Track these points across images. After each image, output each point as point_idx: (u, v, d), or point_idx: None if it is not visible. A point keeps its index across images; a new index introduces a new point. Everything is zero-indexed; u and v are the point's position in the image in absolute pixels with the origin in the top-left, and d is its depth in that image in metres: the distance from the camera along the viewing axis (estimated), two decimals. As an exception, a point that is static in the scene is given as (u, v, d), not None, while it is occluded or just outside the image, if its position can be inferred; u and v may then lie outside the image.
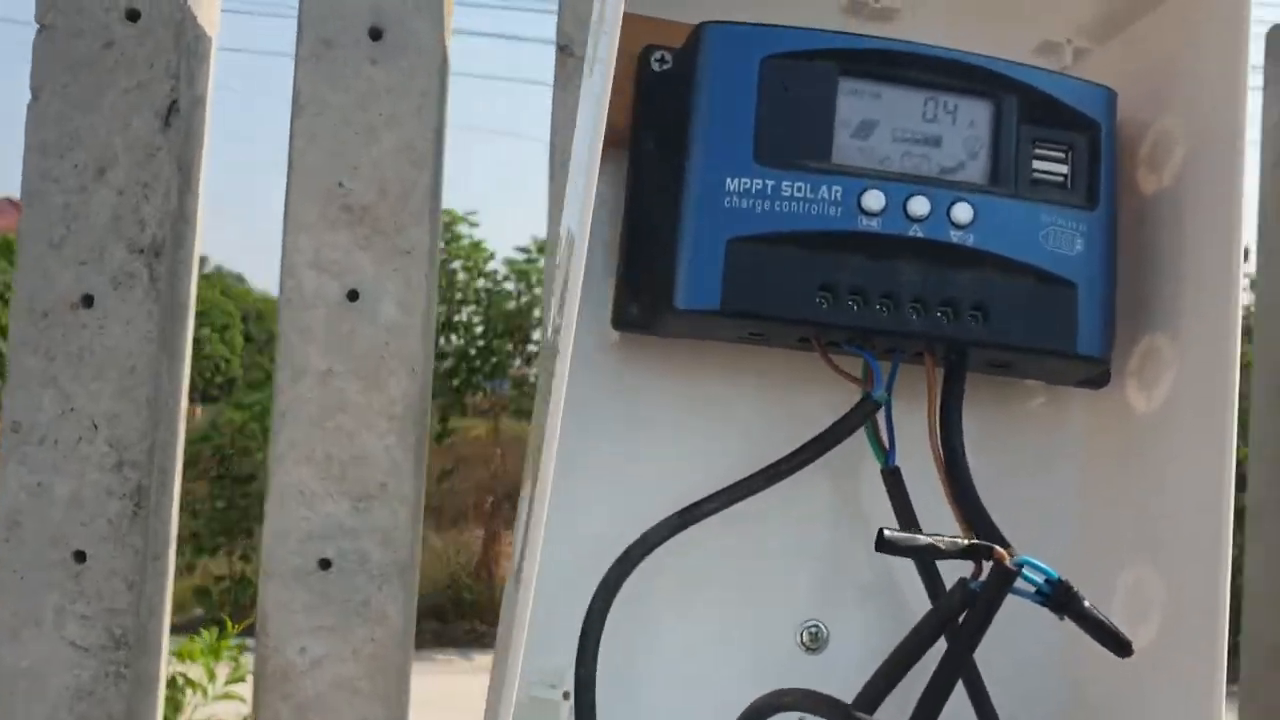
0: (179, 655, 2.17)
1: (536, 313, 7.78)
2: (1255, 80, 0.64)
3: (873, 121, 0.58)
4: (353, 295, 1.52)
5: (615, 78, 0.62)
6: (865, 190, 0.56)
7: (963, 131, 0.59)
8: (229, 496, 6.62)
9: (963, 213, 0.57)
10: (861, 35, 0.59)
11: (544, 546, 0.60)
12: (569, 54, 1.55)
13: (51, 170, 1.10)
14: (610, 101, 0.61)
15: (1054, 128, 0.60)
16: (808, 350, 0.60)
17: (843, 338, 0.58)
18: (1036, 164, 0.60)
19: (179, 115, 1.26)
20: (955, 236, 0.57)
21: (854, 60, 0.58)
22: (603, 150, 0.63)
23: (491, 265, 8.00)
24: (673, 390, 0.64)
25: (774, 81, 0.57)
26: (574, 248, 0.51)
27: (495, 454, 8.05)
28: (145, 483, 1.15)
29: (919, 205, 0.57)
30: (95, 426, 1.09)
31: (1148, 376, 0.62)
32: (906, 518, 0.60)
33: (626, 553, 0.58)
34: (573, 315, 0.50)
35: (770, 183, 0.56)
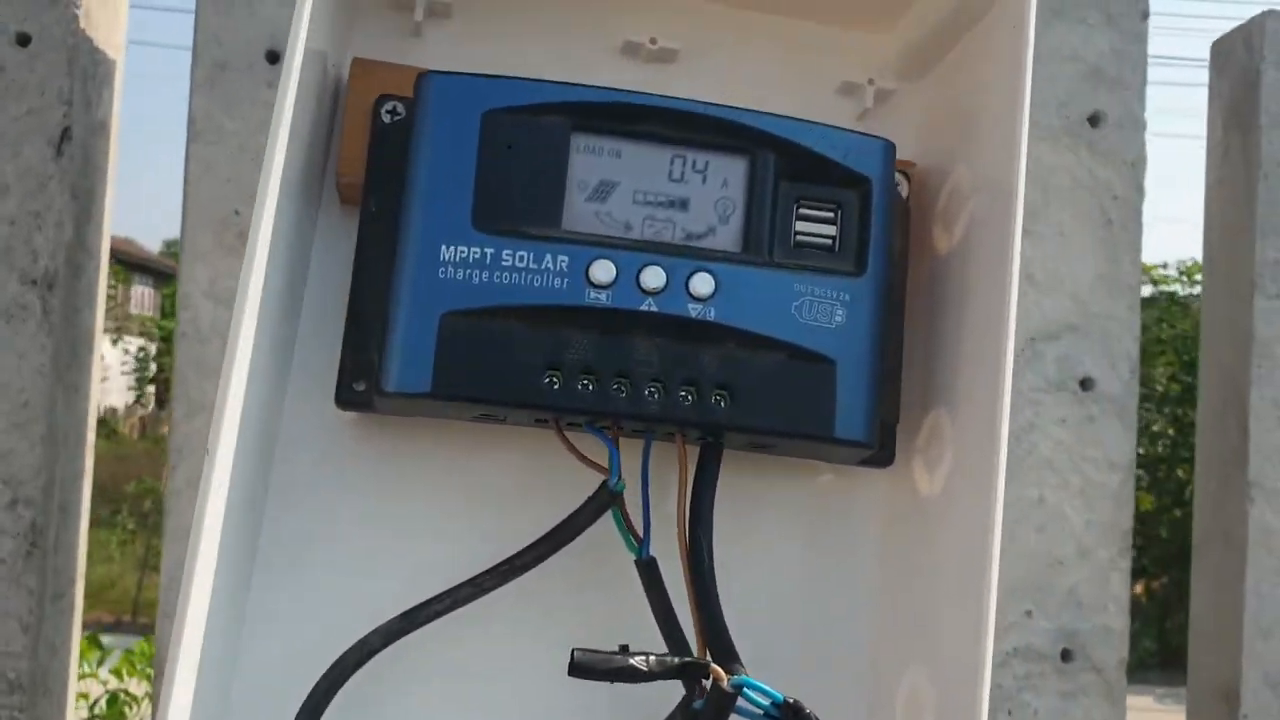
0: (115, 673, 2.15)
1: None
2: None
3: (612, 182, 0.53)
4: (250, 324, 1.48)
5: (358, 130, 0.57)
6: (594, 260, 0.51)
7: (714, 193, 0.54)
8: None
9: (702, 284, 0.52)
10: (598, 87, 0.53)
11: (248, 648, 0.55)
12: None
13: (-58, 201, 1.06)
14: (352, 155, 0.57)
15: (820, 185, 0.54)
16: (549, 429, 0.55)
17: (581, 419, 0.53)
18: (800, 225, 0.54)
19: (72, 143, 1.22)
20: (694, 310, 0.52)
21: (590, 115, 0.53)
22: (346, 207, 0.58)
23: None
24: (408, 474, 0.59)
25: (497, 138, 0.52)
26: (242, 308, 0.46)
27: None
28: (41, 521, 1.11)
29: (653, 277, 0.51)
30: (-14, 463, 1.05)
31: (932, 456, 0.57)
32: (664, 615, 0.55)
33: (339, 660, 0.53)
34: (230, 413, 0.46)
35: (490, 251, 0.51)
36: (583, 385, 0.51)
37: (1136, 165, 1.34)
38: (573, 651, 0.46)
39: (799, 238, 0.54)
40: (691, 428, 0.53)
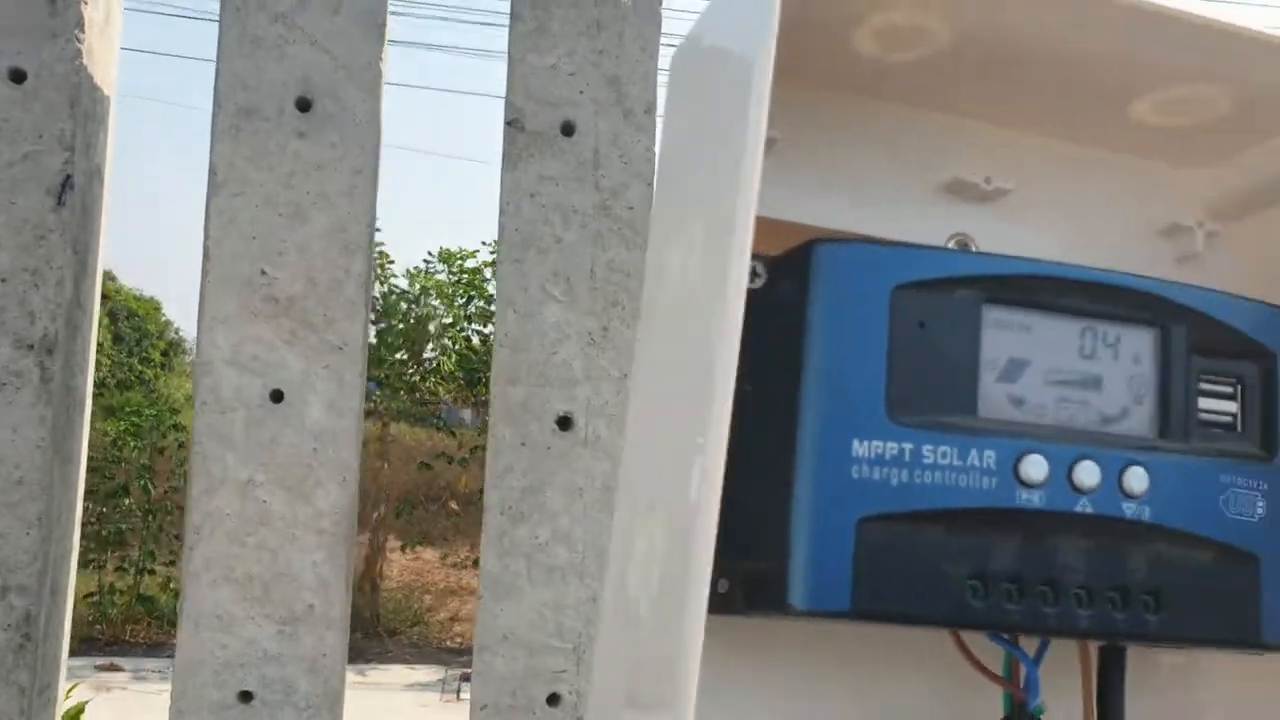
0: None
1: (432, 327, 7.60)
2: None
3: (1023, 361, 0.47)
4: (277, 396, 1.36)
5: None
6: (1023, 455, 0.45)
7: (1126, 369, 0.48)
8: (100, 511, 6.28)
9: (1136, 480, 0.46)
10: (1007, 256, 0.47)
11: None
12: (519, 128, 1.41)
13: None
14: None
15: (1223, 358, 0.49)
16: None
17: (991, 630, 0.47)
18: (1203, 402, 0.49)
19: (73, 191, 1.09)
20: (1129, 510, 0.46)
21: (1001, 287, 0.47)
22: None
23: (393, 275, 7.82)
24: (761, 677, 0.52)
25: (908, 315, 0.45)
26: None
27: (382, 463, 7.81)
28: (35, 610, 0.98)
29: (1088, 474, 0.46)
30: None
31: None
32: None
33: None
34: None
35: (908, 446, 0.44)
36: (1006, 593, 0.45)
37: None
38: None
39: (1202, 415, 0.49)
40: (1122, 639, 0.47)
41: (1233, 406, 0.50)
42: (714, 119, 0.45)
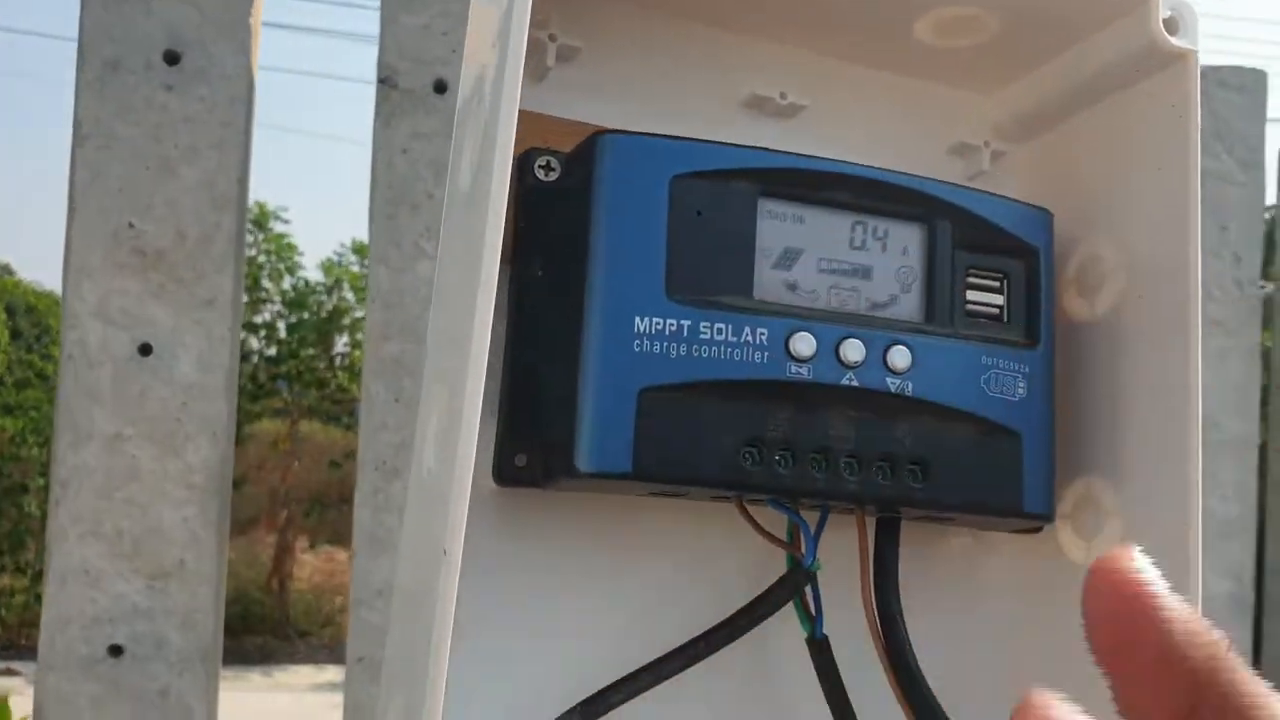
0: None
1: (346, 319, 7.52)
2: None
3: (796, 250, 0.51)
4: (145, 350, 1.36)
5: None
6: (794, 333, 0.49)
7: (895, 261, 0.52)
8: (-1, 510, 6.11)
9: (900, 357, 0.50)
10: (783, 152, 0.51)
11: None
12: (391, 86, 1.42)
13: None
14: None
15: (989, 254, 0.54)
16: (721, 501, 0.52)
17: (777, 496, 0.51)
18: (971, 295, 0.53)
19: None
20: (893, 384, 0.50)
21: (777, 180, 0.50)
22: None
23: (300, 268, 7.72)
24: (565, 550, 0.54)
25: (686, 204, 0.48)
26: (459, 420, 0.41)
27: (291, 461, 7.71)
28: None
29: (853, 350, 0.49)
30: None
31: (1084, 524, 0.57)
32: (837, 697, 0.53)
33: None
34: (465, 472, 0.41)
35: (687, 323, 0.48)
36: (779, 461, 0.49)
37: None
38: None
39: (970, 306, 0.53)
40: (890, 505, 0.51)
41: (999, 299, 0.54)
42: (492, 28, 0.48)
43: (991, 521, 0.55)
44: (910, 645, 0.51)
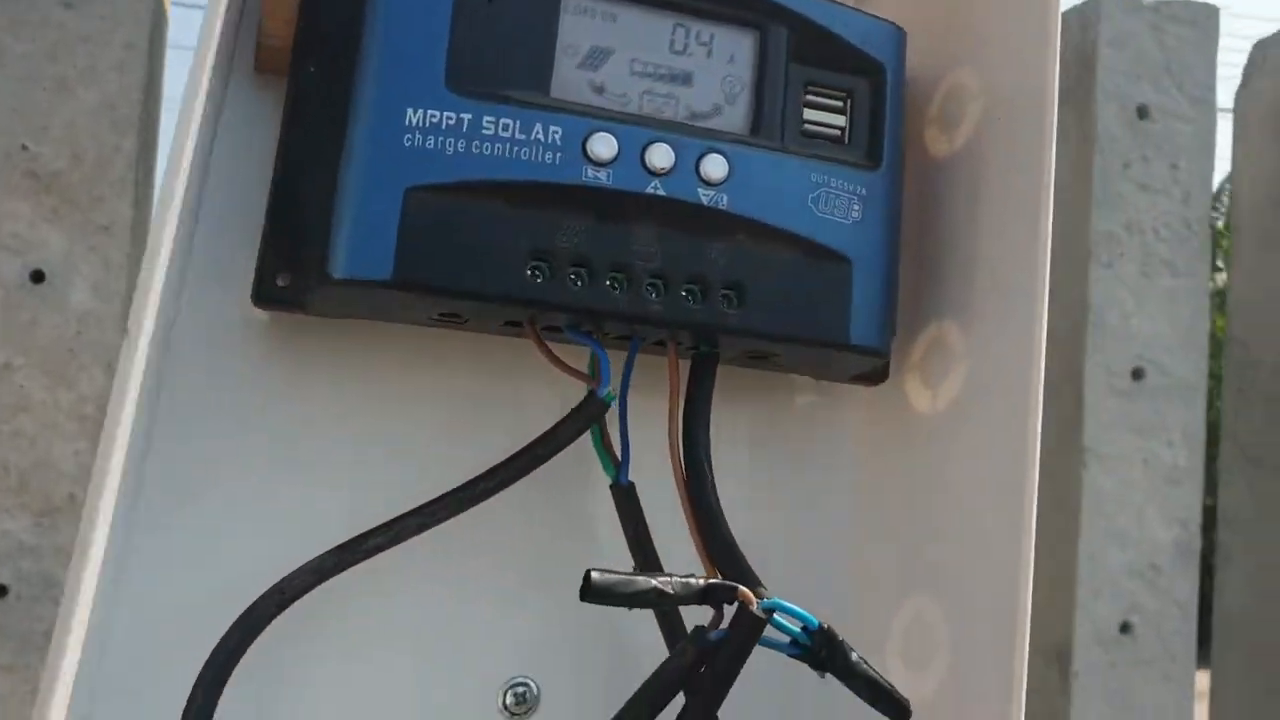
0: None
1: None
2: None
3: (606, 49, 0.46)
4: (37, 276, 1.30)
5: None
6: (593, 133, 0.43)
7: (719, 68, 0.47)
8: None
9: (715, 167, 0.45)
10: (592, -65, 0.46)
11: (154, 591, 0.45)
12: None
13: None
14: (277, 14, 0.47)
15: (830, 69, 0.48)
16: (519, 335, 0.47)
17: (563, 321, 0.45)
18: (809, 113, 0.48)
19: None
20: (705, 196, 0.45)
21: (583, -33, 0.45)
22: (269, 76, 0.48)
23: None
24: (340, 386, 0.49)
25: (474, -11, 0.43)
26: (169, 199, 0.36)
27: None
28: None
29: (660, 156, 0.44)
30: None
31: (932, 372, 0.52)
32: (642, 548, 0.47)
33: (257, 604, 0.43)
34: (151, 291, 0.36)
35: (466, 116, 0.42)
36: (572, 279, 0.43)
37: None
38: (588, 573, 0.38)
39: (807, 126, 0.48)
40: (699, 331, 0.46)
41: (840, 119, 0.49)
42: None
43: (820, 359, 0.49)
44: (714, 488, 0.46)
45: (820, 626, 0.43)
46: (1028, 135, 0.48)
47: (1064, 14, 1.38)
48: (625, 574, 0.41)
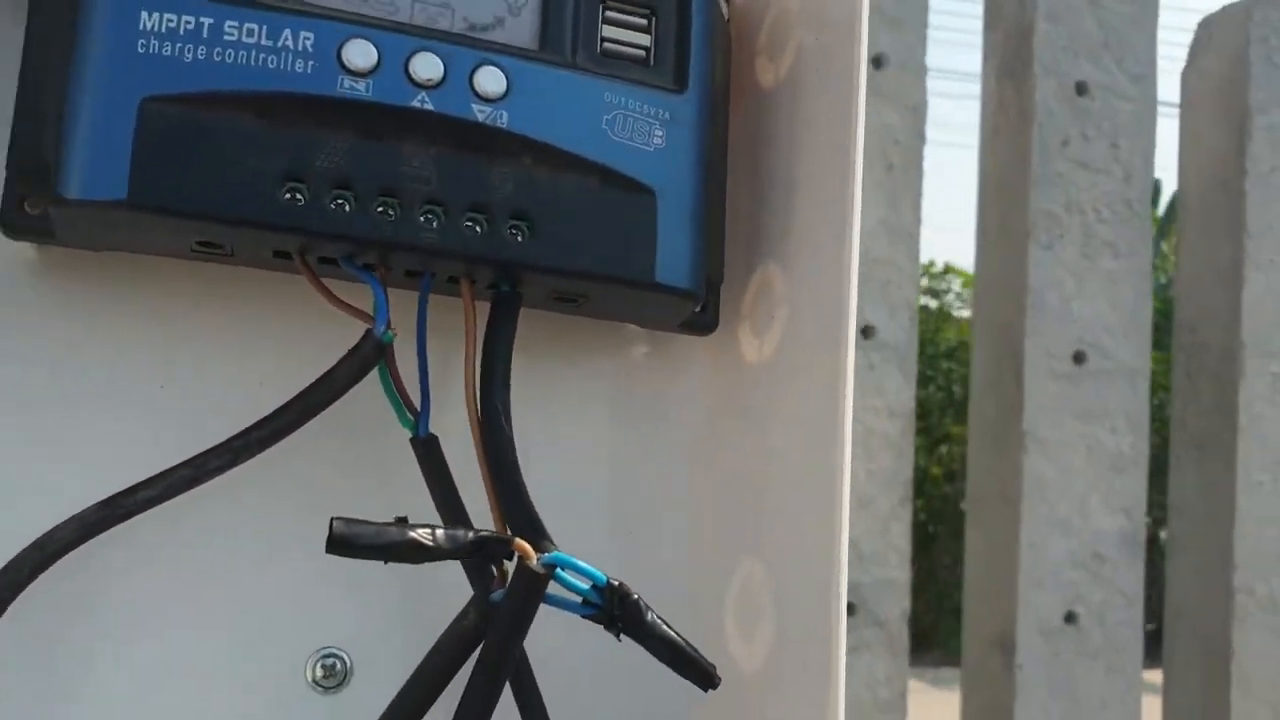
0: None
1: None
2: None
3: (374, -48, 0.42)
4: None
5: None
6: (348, 40, 0.40)
7: (503, -23, 0.43)
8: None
9: (491, 81, 0.41)
10: None
11: None
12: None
13: None
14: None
15: (633, -15, 0.45)
16: (294, 271, 0.43)
17: (338, 252, 0.42)
18: (608, 30, 0.44)
19: None
20: (481, 113, 0.41)
21: None
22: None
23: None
24: (106, 329, 0.45)
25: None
26: None
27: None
28: None
29: (427, 66, 0.40)
30: None
31: (760, 319, 0.48)
32: (448, 506, 0.44)
33: (15, 560, 0.40)
34: None
35: (207, 21, 0.39)
36: (338, 204, 0.40)
37: (918, 110, 1.33)
38: (331, 521, 0.35)
39: (606, 45, 0.44)
40: (481, 264, 0.42)
41: (644, 38, 0.45)
42: None
43: (633, 302, 0.46)
44: (512, 444, 0.42)
45: (609, 583, 0.39)
46: (836, 66, 0.45)
47: (1002, -12, 1.34)
48: (376, 524, 0.37)
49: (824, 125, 0.45)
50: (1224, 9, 1.48)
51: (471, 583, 0.44)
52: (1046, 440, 1.33)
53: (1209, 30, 1.49)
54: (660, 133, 0.44)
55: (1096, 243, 1.35)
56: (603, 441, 0.51)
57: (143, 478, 0.42)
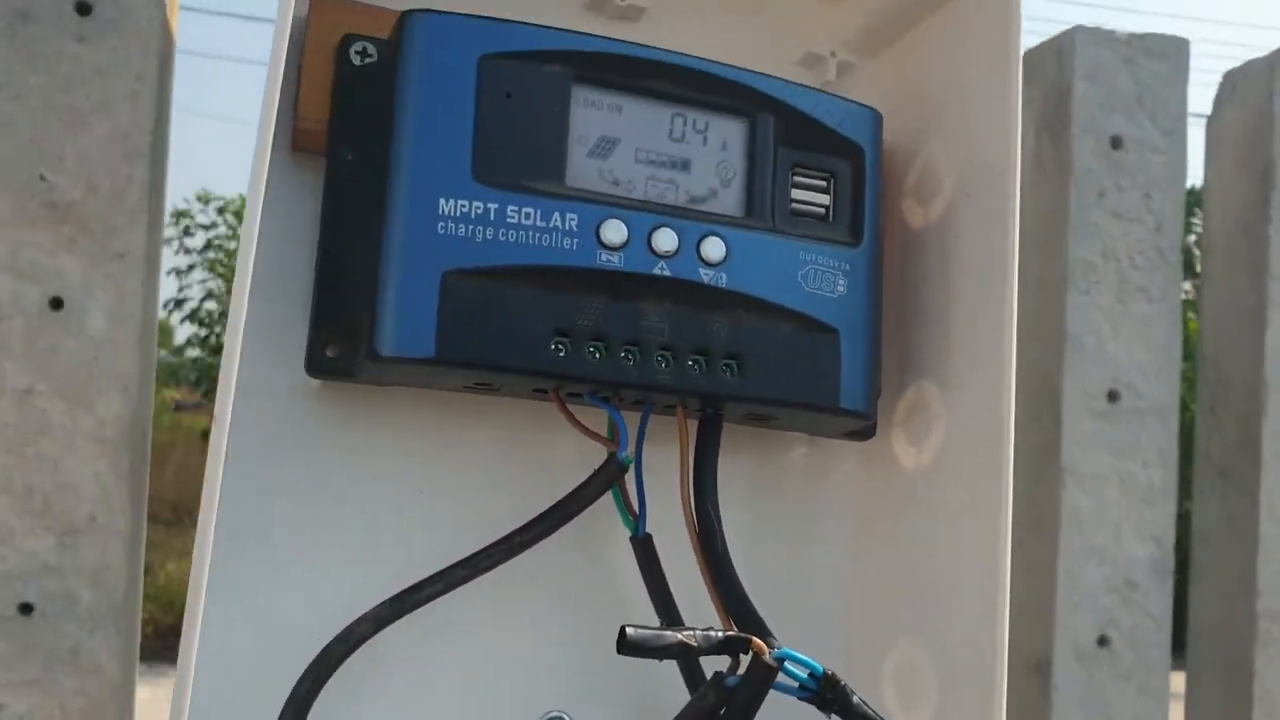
0: None
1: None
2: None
3: (613, 139, 0.51)
4: (56, 304, 1.34)
5: (318, 72, 0.52)
6: (605, 220, 0.49)
7: (714, 155, 0.52)
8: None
9: (714, 249, 0.50)
10: (598, 36, 0.51)
11: (225, 640, 0.50)
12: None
13: None
14: (313, 99, 0.52)
15: (814, 152, 0.53)
16: (545, 400, 0.52)
17: (585, 389, 0.50)
18: (795, 194, 0.53)
19: None
20: (706, 276, 0.50)
21: (592, 66, 0.50)
22: (308, 156, 0.53)
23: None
24: (386, 447, 0.54)
25: (495, 86, 0.48)
26: (243, 278, 0.41)
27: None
28: None
29: (665, 239, 0.49)
30: None
31: (915, 429, 0.57)
32: (660, 592, 0.52)
33: (325, 652, 0.48)
34: (233, 360, 0.41)
35: (493, 206, 0.47)
36: (591, 352, 0.48)
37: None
38: (623, 629, 0.43)
39: (795, 205, 0.53)
40: (703, 398, 0.51)
41: (824, 199, 0.54)
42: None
43: (813, 420, 0.54)
44: (723, 539, 0.51)
45: (825, 673, 0.47)
46: (993, 209, 0.53)
47: (1040, 48, 1.44)
48: (654, 629, 0.46)
49: (980, 271, 0.54)
50: (1247, 63, 1.57)
51: (683, 673, 0.52)
52: (1083, 474, 1.41)
53: (1233, 83, 1.58)
54: (843, 282, 0.53)
55: (1130, 288, 1.43)
56: (772, 534, 0.60)
57: (408, 570, 0.50)
